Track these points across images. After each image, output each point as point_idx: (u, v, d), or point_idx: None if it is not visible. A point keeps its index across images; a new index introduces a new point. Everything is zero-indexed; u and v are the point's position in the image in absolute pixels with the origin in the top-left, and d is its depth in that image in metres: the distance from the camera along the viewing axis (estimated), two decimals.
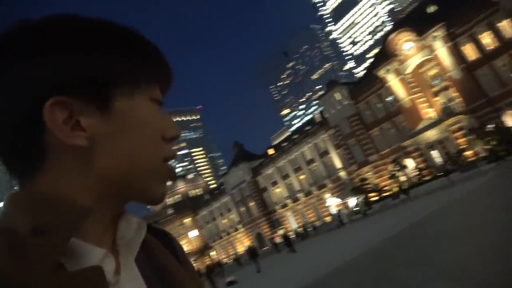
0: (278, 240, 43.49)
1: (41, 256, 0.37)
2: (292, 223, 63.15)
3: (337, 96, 51.19)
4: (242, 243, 70.64)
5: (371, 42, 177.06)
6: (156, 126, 0.48)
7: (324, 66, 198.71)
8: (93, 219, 0.44)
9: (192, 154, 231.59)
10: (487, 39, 38.19)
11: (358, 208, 42.15)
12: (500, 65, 37.65)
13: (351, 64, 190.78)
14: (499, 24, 37.03)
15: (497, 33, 37.26)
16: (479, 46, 38.70)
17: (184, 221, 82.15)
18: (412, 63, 44.34)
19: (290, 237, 54.92)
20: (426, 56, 42.97)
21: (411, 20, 46.72)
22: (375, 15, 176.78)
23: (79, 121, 0.43)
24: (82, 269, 0.40)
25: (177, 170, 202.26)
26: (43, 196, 0.42)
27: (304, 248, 25.07)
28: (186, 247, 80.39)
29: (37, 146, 0.43)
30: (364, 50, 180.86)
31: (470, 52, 39.42)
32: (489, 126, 35.49)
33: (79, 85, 0.43)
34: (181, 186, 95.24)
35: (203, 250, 78.75)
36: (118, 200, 0.47)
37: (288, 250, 25.05)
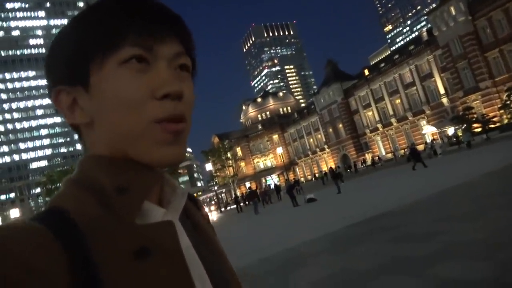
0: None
1: (124, 211, 0.47)
2: (381, 148, 61.32)
3: (452, 10, 44.25)
4: (327, 163, 71.55)
5: None
6: (130, 92, 0.48)
7: None
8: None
9: (285, 72, 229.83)
10: None
11: (459, 138, 38.67)
12: None
13: None
14: None
15: None
16: None
17: (273, 137, 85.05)
18: None
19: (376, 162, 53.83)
20: None
21: None
22: None
23: (76, 101, 0.50)
24: (159, 222, 0.50)
25: (269, 87, 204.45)
26: (119, 160, 0.50)
27: (388, 174, 24.41)
28: (272, 161, 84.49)
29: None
30: None
31: None
32: None
33: (69, 68, 0.49)
34: (271, 103, 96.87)
35: (288, 166, 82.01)
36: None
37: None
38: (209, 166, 70.12)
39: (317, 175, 66.65)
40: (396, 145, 57.91)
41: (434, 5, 51.06)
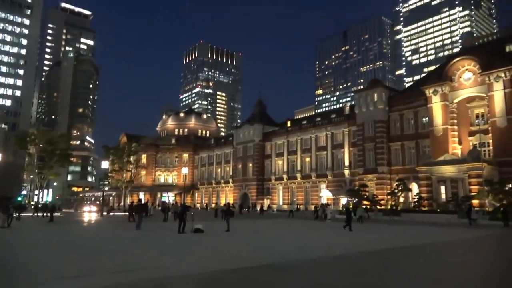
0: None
1: None
2: (280, 197, 63.44)
3: (375, 96, 49.27)
4: (227, 196, 71.58)
5: (432, 57, 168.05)
6: None
7: (377, 63, 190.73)
8: None
9: (216, 96, 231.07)
10: None
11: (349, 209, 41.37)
12: None
13: (403, 71, 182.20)
14: None
15: None
16: None
17: (183, 155, 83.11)
18: (463, 94, 42.04)
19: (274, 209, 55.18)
20: (480, 92, 40.66)
21: (483, 51, 43.89)
22: (449, 32, 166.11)
23: None
24: None
25: (195, 106, 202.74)
26: None
27: (278, 224, 24.87)
28: (174, 179, 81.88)
29: None
30: (422, 63, 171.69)
31: None
32: (509, 186, 33.98)
33: None
34: (192, 122, 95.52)
35: (189, 189, 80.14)
36: None
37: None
38: (106, 164, 65.21)
39: (213, 205, 66.01)
40: (294, 199, 60.48)
41: (362, 86, 56.38)
